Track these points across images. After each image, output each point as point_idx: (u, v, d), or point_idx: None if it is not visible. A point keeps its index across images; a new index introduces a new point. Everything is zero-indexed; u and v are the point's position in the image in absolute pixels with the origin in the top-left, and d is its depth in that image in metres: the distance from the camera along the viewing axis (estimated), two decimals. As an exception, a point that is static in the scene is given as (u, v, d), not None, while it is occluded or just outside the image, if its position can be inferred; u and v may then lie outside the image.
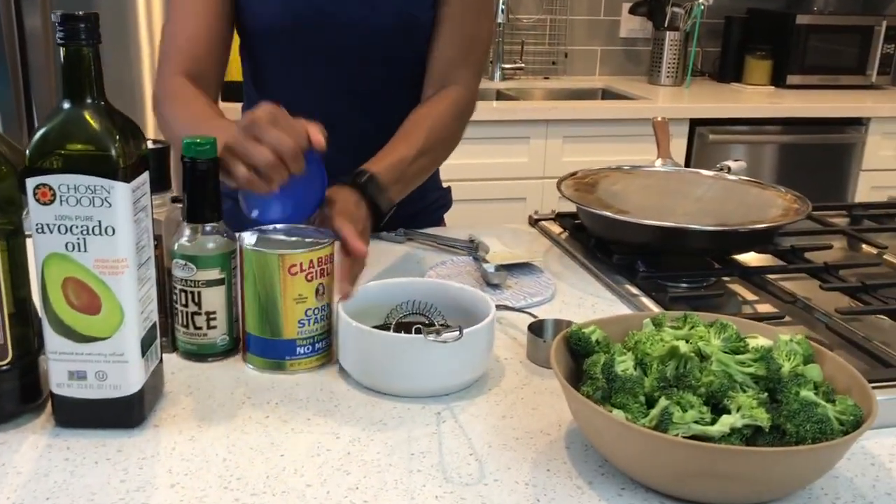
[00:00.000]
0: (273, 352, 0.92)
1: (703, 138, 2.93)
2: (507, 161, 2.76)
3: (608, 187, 1.39)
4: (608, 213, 1.23)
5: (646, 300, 1.14)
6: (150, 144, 0.92)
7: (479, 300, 0.97)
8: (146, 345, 0.81)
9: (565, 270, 1.28)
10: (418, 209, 1.46)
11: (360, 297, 0.98)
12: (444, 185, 1.56)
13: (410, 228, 1.41)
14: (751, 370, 0.77)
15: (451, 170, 1.50)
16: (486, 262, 1.22)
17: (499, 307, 1.06)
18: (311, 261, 0.91)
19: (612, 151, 2.83)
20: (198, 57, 1.26)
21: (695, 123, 2.93)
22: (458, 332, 0.85)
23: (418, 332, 0.93)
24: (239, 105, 1.46)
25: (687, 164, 2.94)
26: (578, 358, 0.84)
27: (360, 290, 0.98)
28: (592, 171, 1.46)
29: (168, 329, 0.95)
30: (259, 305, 0.91)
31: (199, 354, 0.94)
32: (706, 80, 3.53)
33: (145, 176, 0.80)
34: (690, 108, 2.95)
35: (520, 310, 1.07)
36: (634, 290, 1.18)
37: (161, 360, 0.87)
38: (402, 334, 0.88)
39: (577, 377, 0.83)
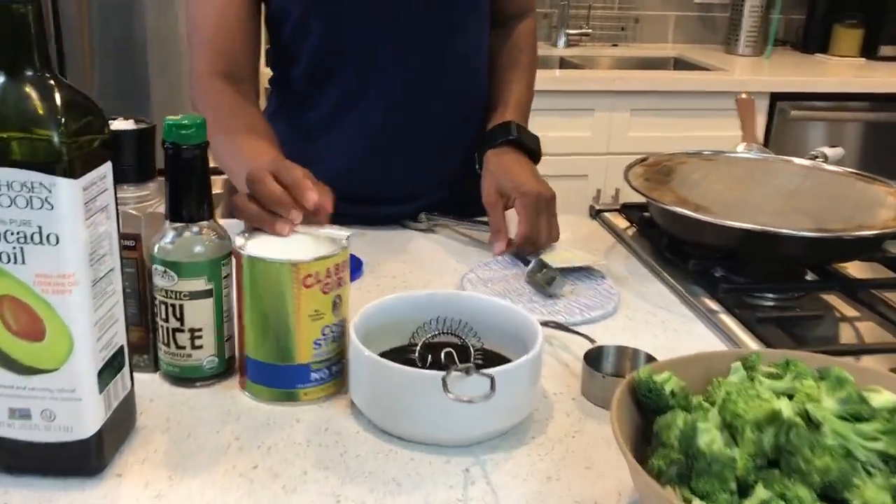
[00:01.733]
0: (283, 380, 0.76)
1: (784, 114, 2.68)
2: (569, 135, 2.56)
3: (685, 176, 1.20)
4: (685, 212, 1.04)
5: (727, 319, 0.95)
6: (129, 125, 0.76)
7: (523, 322, 0.79)
8: (107, 377, 0.66)
9: (631, 276, 1.09)
10: (467, 192, 1.28)
11: (381, 312, 0.81)
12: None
13: (459, 216, 1.23)
14: (878, 446, 0.58)
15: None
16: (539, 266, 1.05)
17: (548, 324, 0.88)
18: (328, 269, 0.74)
19: (684, 127, 2.61)
20: (228, 50, 1.12)
21: (775, 98, 2.68)
22: (488, 386, 0.67)
23: (448, 358, 0.77)
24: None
25: (766, 143, 2.70)
26: (647, 412, 0.66)
27: (379, 304, 0.81)
28: (666, 156, 1.26)
29: (150, 346, 0.80)
30: (265, 326, 0.74)
31: (183, 378, 0.78)
32: (788, 51, 3.26)
33: (105, 168, 0.63)
34: (771, 80, 2.70)
35: (574, 330, 0.89)
36: (714, 306, 0.98)
37: (131, 390, 0.71)
38: (423, 371, 0.70)
39: (644, 436, 0.65)
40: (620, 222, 1.25)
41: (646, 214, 1.24)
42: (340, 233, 0.79)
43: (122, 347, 0.68)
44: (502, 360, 0.81)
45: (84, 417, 0.64)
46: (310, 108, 1.18)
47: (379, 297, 0.95)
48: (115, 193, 0.65)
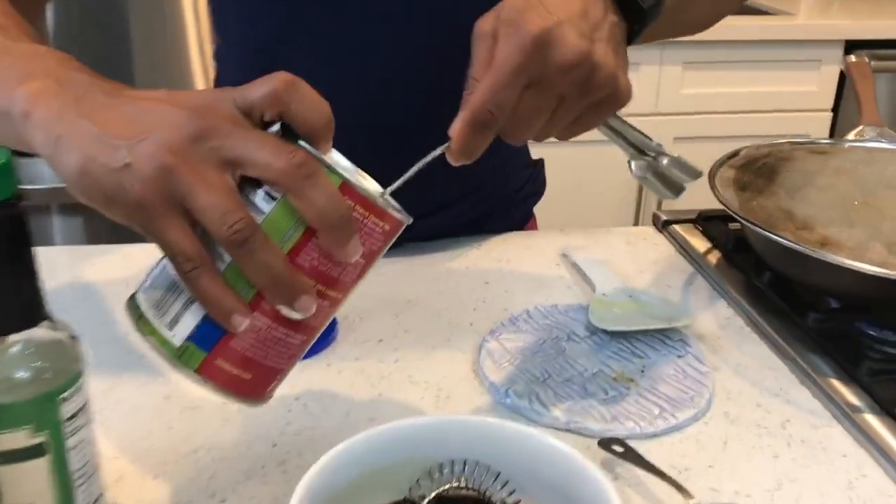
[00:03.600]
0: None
1: (862, 66, 2.30)
2: (610, 92, 2.20)
3: (791, 179, 0.86)
4: (806, 250, 0.71)
5: (880, 426, 0.63)
6: None
7: (584, 479, 0.47)
8: None
9: (722, 333, 0.76)
10: (496, 204, 0.94)
11: (368, 449, 0.49)
12: (535, 156, 1.02)
13: (476, 233, 0.91)
14: None
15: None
16: (594, 323, 0.73)
17: (612, 448, 0.57)
18: None
19: (746, 81, 2.25)
20: None
21: (850, 46, 2.30)
22: None
23: None
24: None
25: (836, 105, 2.33)
26: None
27: (353, 447, 0.49)
28: (763, 148, 0.92)
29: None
30: None
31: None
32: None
33: None
34: (843, 25, 2.32)
35: (658, 470, 0.56)
36: (854, 399, 0.65)
37: None
38: None
39: None
40: (698, 243, 0.92)
41: (733, 227, 0.91)
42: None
43: None
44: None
45: None
46: None
47: (355, 381, 0.64)
48: None
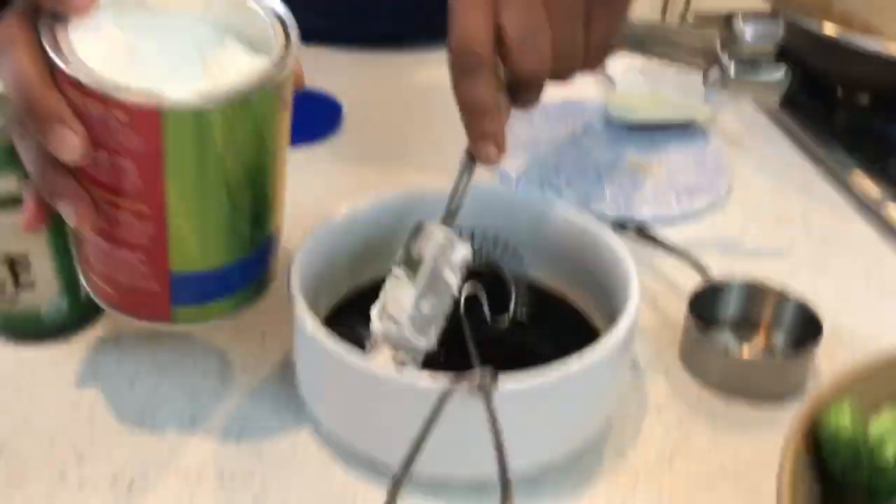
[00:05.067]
0: (245, 274, 0.41)
1: None
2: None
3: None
4: (837, 37, 0.67)
5: (905, 217, 0.61)
6: None
7: (604, 250, 0.46)
8: None
9: (746, 130, 0.73)
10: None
11: (368, 216, 0.48)
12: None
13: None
14: None
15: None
16: (612, 113, 0.70)
17: (626, 227, 0.55)
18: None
19: None
20: None
21: None
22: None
23: (471, 306, 0.45)
24: None
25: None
26: (833, 476, 0.34)
27: (367, 204, 0.48)
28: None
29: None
30: (221, 208, 0.38)
31: (15, 330, 0.47)
32: None
33: None
34: None
35: (671, 246, 0.55)
36: (877, 193, 0.63)
37: None
38: (398, 378, 0.38)
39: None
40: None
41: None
42: None
43: None
44: (563, 306, 0.49)
45: None
46: None
47: (363, 172, 0.62)
48: None
